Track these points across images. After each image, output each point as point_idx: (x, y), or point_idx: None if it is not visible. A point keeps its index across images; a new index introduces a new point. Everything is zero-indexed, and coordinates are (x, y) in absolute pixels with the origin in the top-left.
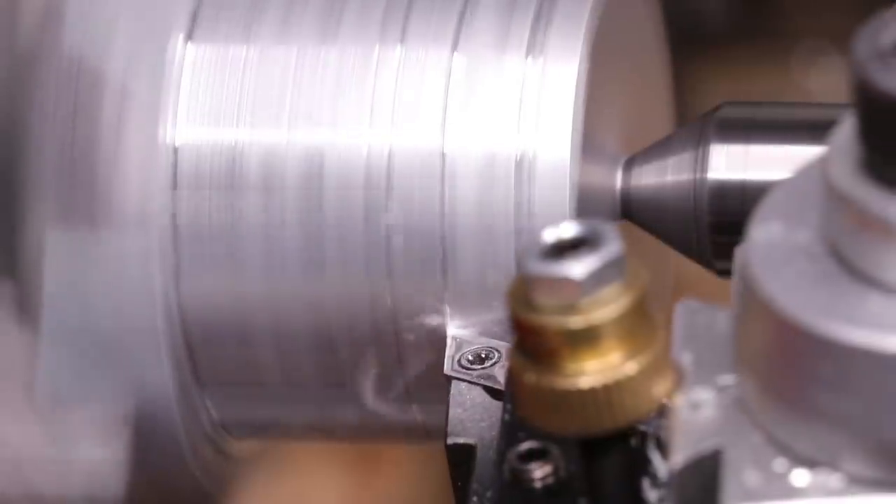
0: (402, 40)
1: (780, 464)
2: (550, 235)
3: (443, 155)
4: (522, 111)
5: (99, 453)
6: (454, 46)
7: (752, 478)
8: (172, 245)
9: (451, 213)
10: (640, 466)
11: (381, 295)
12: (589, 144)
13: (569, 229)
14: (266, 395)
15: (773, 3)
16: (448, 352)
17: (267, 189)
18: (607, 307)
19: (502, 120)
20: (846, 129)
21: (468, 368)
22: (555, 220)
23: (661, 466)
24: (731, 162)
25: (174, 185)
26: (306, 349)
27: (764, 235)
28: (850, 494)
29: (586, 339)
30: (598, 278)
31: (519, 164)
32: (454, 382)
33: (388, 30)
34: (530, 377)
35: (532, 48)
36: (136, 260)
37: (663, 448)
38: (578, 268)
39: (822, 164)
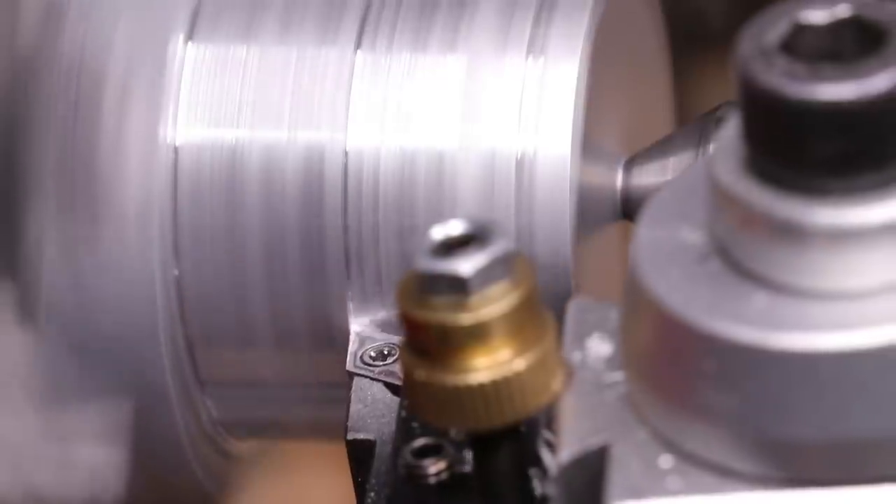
0: (402, 41)
1: (665, 460)
2: (439, 233)
3: (443, 155)
4: (523, 111)
5: (99, 453)
6: (454, 46)
7: (637, 474)
8: (172, 245)
9: (451, 212)
10: (531, 462)
11: None
12: (589, 144)
13: (457, 227)
14: (266, 395)
15: (774, 4)
16: (351, 348)
17: (267, 189)
18: (496, 304)
19: (502, 120)
20: (731, 127)
21: (370, 364)
22: (555, 220)
23: (551, 462)
24: None
25: (174, 184)
26: (306, 349)
27: (651, 235)
28: (734, 491)
29: (475, 335)
30: (486, 275)
31: (519, 163)
32: (356, 378)
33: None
34: (420, 374)
35: (532, 48)
36: (136, 260)
37: (552, 444)
38: (466, 265)
39: (707, 162)
